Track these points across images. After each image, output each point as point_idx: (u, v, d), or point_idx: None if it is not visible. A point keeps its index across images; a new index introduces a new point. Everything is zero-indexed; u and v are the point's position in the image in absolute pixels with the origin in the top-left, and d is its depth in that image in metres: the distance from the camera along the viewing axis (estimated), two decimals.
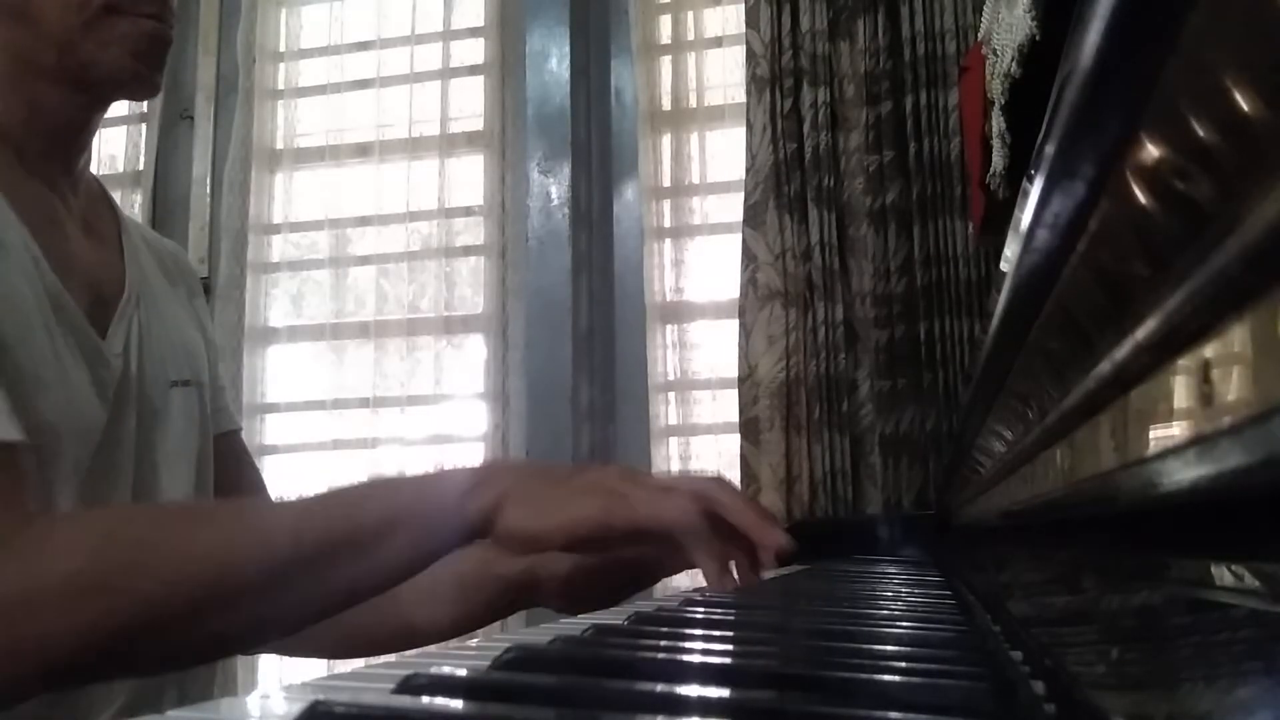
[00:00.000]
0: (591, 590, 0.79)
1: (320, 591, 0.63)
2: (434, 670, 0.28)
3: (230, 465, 0.94)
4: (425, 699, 0.25)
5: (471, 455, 2.12)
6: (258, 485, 0.99)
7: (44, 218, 0.76)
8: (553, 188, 2.10)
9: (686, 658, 0.33)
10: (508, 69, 2.19)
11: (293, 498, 0.70)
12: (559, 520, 0.64)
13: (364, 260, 2.27)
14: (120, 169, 2.35)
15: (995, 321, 0.47)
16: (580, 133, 2.13)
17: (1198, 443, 0.19)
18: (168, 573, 0.60)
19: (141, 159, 2.36)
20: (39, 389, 0.69)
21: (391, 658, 0.71)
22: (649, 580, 0.87)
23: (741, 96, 1.94)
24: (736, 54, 2.01)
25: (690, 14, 2.13)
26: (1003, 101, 0.76)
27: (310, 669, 1.43)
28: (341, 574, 0.63)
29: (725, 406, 1.93)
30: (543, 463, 0.73)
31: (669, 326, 2.05)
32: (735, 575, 0.66)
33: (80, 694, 0.73)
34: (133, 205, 2.30)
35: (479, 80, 2.25)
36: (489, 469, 0.71)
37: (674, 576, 1.05)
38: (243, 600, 0.61)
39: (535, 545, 0.68)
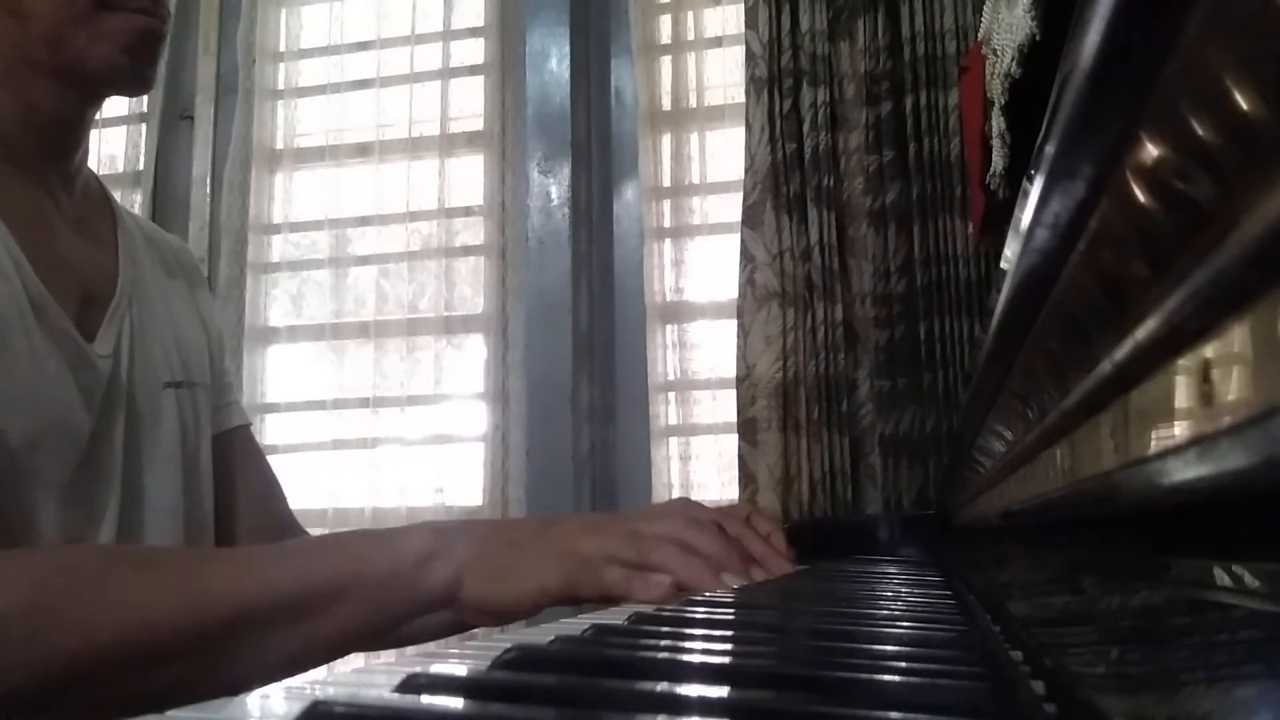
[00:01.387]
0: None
1: (257, 657, 0.59)
2: (434, 670, 0.28)
3: (236, 464, 0.91)
4: (426, 698, 0.25)
5: (471, 455, 2.12)
6: (268, 482, 0.96)
7: (32, 216, 0.74)
8: (553, 188, 2.10)
9: (687, 658, 0.33)
10: (508, 69, 2.19)
11: (243, 552, 0.66)
12: (523, 591, 0.62)
13: (364, 260, 2.27)
14: (120, 169, 2.36)
15: (995, 321, 0.46)
16: (580, 133, 2.13)
17: (1198, 443, 0.19)
18: (91, 627, 0.55)
19: (141, 159, 2.36)
20: (15, 395, 0.67)
21: (391, 657, 0.70)
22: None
23: (742, 96, 1.94)
24: (736, 54, 2.01)
25: (690, 14, 2.13)
26: (1003, 101, 0.76)
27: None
28: (281, 640, 0.59)
29: (725, 406, 1.93)
30: (504, 524, 0.70)
31: (669, 326, 2.05)
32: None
33: None
34: (133, 205, 2.30)
35: (479, 80, 2.25)
36: (446, 535, 0.66)
37: None
38: (169, 661, 0.57)
39: (501, 619, 0.66)
